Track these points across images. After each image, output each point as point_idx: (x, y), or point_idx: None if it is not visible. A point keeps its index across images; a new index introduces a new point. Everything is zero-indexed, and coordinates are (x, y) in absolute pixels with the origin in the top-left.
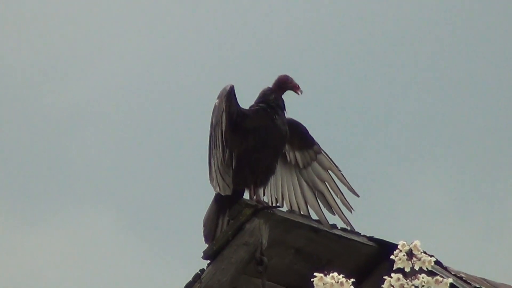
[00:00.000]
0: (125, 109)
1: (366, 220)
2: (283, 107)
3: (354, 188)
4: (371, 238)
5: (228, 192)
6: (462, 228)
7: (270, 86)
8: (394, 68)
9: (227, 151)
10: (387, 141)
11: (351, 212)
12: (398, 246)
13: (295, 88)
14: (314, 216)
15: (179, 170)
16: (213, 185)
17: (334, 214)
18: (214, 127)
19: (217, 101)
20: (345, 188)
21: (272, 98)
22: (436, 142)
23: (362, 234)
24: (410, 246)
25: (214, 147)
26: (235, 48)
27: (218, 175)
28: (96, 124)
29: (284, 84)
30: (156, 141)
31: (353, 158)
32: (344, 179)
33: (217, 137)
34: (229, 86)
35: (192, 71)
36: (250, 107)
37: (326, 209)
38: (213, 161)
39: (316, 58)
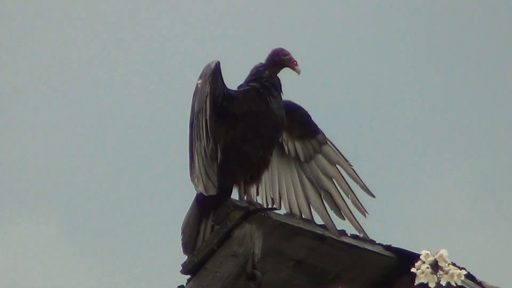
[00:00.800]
0: (66, 109)
1: (381, 226)
2: (279, 88)
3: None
4: (388, 247)
5: (212, 191)
6: (487, 236)
7: (264, 62)
8: (410, 61)
9: (211, 142)
10: (400, 136)
11: (365, 216)
12: (421, 257)
13: (293, 64)
14: (318, 220)
15: (149, 164)
16: (194, 184)
17: (344, 219)
18: (196, 114)
19: (199, 81)
20: (357, 186)
21: (266, 75)
22: (456, 141)
23: (377, 242)
24: (435, 256)
25: (197, 138)
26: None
27: (202, 171)
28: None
29: (280, 59)
30: (110, 133)
31: (361, 154)
32: (355, 175)
33: (200, 126)
34: (214, 63)
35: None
36: (239, 87)
37: (334, 212)
38: (195, 155)
39: (322, 34)
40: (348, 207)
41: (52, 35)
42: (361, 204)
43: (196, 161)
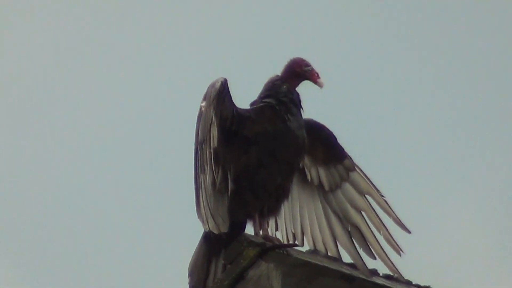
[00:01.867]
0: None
1: (416, 265)
2: (299, 104)
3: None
4: None
5: (223, 229)
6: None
7: (280, 74)
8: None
9: (220, 171)
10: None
11: (399, 254)
12: None
13: (315, 77)
14: (346, 258)
15: (148, 192)
16: (201, 221)
17: (375, 258)
18: (200, 144)
19: (203, 104)
20: (390, 220)
21: (284, 90)
22: (472, 171)
23: (414, 283)
24: None
25: (201, 171)
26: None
27: (209, 207)
28: None
29: (301, 70)
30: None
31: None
32: (388, 208)
33: (204, 159)
34: (219, 82)
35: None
36: (252, 103)
37: (363, 250)
38: (200, 190)
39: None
40: (380, 244)
41: (48, 34)
42: (395, 241)
43: (201, 197)
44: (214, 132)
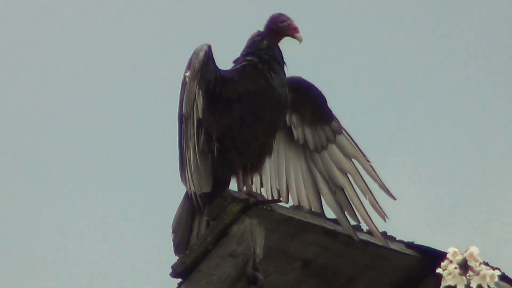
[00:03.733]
0: None
1: (401, 226)
2: (281, 60)
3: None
4: (410, 245)
5: (206, 189)
6: None
7: (262, 30)
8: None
9: (202, 134)
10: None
11: (384, 220)
12: (448, 255)
13: (292, 31)
14: (330, 214)
15: (134, 157)
16: (185, 184)
17: (359, 222)
18: (185, 117)
19: (187, 74)
20: (376, 185)
21: (265, 46)
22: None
23: (397, 239)
24: (464, 254)
25: (187, 139)
26: None
27: (193, 169)
28: None
29: (277, 26)
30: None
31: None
32: (374, 174)
33: (188, 128)
34: (203, 51)
35: None
36: (235, 61)
37: (347, 213)
38: (185, 161)
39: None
40: (364, 208)
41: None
42: (380, 207)
43: (186, 166)
44: (199, 103)
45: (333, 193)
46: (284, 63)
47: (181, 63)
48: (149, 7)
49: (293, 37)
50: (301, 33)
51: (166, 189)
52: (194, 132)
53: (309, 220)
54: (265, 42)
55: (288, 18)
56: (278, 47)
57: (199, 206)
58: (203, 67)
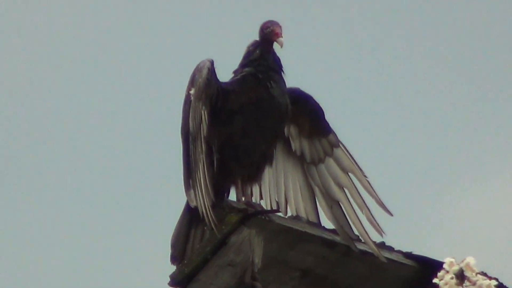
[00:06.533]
0: None
1: (399, 237)
2: (278, 68)
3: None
4: (408, 255)
5: (209, 203)
6: None
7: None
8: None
9: (204, 146)
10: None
11: (381, 235)
12: (444, 265)
13: (275, 37)
14: (328, 224)
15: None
16: (193, 203)
17: (355, 238)
18: (192, 135)
19: (192, 92)
20: (373, 200)
21: (257, 56)
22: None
23: (396, 249)
24: (461, 265)
25: (196, 160)
26: None
27: (204, 193)
28: None
29: (262, 35)
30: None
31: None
32: (371, 189)
33: (197, 149)
34: (205, 68)
35: None
36: (234, 72)
37: (344, 227)
38: (196, 177)
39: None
40: (361, 223)
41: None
42: (377, 223)
43: (196, 180)
44: (205, 122)
45: (330, 207)
46: (282, 70)
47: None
48: (147, 13)
49: (276, 42)
50: (283, 38)
51: (165, 198)
52: (202, 154)
53: (308, 230)
54: (257, 52)
55: (273, 24)
56: (274, 54)
57: (212, 222)
58: (207, 86)
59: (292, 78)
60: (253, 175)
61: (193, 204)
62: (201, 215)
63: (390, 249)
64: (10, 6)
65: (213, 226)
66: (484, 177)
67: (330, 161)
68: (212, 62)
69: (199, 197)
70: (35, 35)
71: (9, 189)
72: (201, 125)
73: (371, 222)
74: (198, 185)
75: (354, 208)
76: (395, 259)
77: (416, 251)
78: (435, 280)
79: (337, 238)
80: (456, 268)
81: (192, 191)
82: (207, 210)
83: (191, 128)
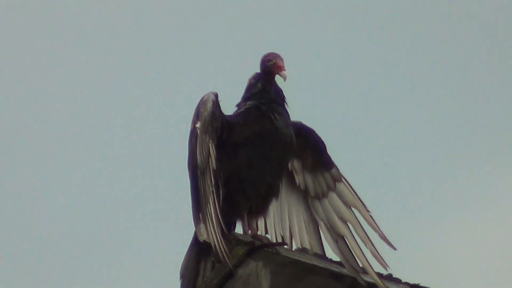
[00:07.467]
0: None
1: (404, 270)
2: (281, 100)
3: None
4: (415, 287)
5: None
6: None
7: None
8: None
9: (212, 178)
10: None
11: (386, 269)
12: None
13: (277, 70)
14: (335, 257)
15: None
16: (203, 236)
17: (361, 271)
18: (200, 169)
19: (197, 125)
20: (376, 234)
21: (259, 89)
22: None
23: (403, 281)
24: None
25: (206, 194)
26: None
27: (215, 227)
28: None
29: (264, 67)
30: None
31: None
32: (374, 224)
33: (206, 182)
34: (210, 102)
35: None
36: (238, 105)
37: (349, 261)
38: (207, 211)
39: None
40: (365, 257)
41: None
42: (381, 257)
43: (207, 214)
44: (213, 155)
45: (335, 242)
46: (285, 102)
47: (182, 104)
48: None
49: (279, 75)
50: (287, 70)
51: (174, 232)
52: (212, 187)
53: (315, 263)
54: (259, 85)
55: (275, 57)
56: (275, 86)
57: (225, 255)
58: (213, 119)
59: (292, 108)
60: (260, 208)
61: (201, 238)
62: (213, 248)
63: (397, 281)
64: (10, 6)
65: (226, 259)
66: (483, 208)
67: (333, 196)
68: (216, 95)
69: (210, 230)
70: (35, 35)
71: (9, 189)
72: (209, 158)
73: (375, 256)
74: (209, 218)
75: (358, 243)
76: None
77: (423, 283)
78: None
79: (344, 271)
80: None
81: (202, 225)
82: (220, 242)
83: (199, 162)
